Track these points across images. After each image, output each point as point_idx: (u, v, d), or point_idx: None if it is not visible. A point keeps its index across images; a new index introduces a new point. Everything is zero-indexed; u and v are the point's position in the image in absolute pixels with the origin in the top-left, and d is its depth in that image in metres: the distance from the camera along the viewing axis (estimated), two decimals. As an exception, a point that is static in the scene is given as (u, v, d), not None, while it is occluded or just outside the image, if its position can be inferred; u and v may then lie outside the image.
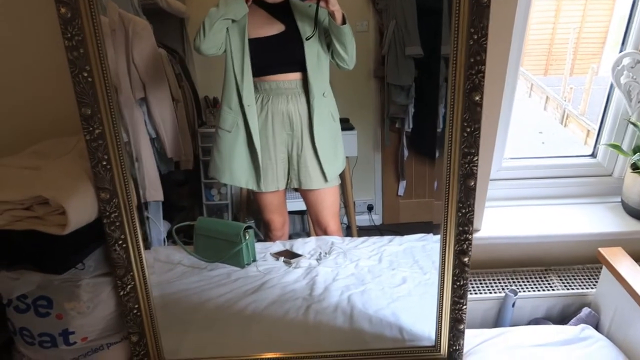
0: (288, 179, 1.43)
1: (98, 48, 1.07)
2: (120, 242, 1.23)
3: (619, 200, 1.75)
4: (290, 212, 1.52)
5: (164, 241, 1.49)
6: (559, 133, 4.24)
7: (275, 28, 1.32)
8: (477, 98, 1.08)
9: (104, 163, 1.15)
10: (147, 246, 1.46)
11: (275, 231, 1.49)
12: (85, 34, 1.05)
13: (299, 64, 1.32)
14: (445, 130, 1.14)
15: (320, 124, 1.35)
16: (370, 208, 1.63)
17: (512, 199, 1.79)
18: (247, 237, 1.27)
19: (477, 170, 1.14)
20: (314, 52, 1.31)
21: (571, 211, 1.75)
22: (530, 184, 1.78)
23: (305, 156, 1.39)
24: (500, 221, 1.70)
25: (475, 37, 1.04)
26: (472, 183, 1.15)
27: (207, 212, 1.60)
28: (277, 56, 1.33)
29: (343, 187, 1.55)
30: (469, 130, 1.11)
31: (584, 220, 1.70)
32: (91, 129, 1.11)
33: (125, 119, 1.30)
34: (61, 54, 1.08)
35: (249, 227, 1.25)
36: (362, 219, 1.62)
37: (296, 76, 1.33)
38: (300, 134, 1.36)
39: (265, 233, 1.50)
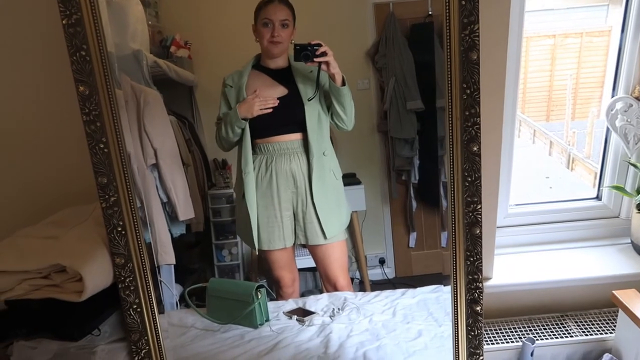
0: (295, 236, 1.46)
1: (114, 121, 1.14)
2: (135, 306, 1.24)
3: (629, 241, 1.74)
4: (302, 270, 1.53)
5: (177, 305, 1.49)
6: (566, 177, 4.24)
7: (278, 91, 1.39)
8: (475, 149, 1.12)
9: (119, 229, 1.19)
10: (161, 310, 1.47)
11: (285, 288, 1.49)
12: (102, 109, 1.13)
13: (299, 125, 1.38)
14: (447, 181, 1.18)
15: (319, 182, 1.40)
16: (382, 261, 1.63)
17: (521, 245, 1.78)
18: (259, 297, 1.28)
19: (481, 218, 1.16)
20: (314, 114, 1.37)
21: (582, 255, 1.74)
22: (537, 229, 1.78)
23: (310, 213, 1.43)
24: (511, 268, 1.69)
25: (468, 91, 1.10)
26: (478, 231, 1.17)
27: (219, 273, 1.61)
28: (279, 118, 1.39)
29: (353, 241, 1.56)
30: (470, 179, 1.14)
31: (596, 263, 1.69)
32: (107, 196, 1.17)
33: (139, 185, 1.35)
34: (78, 127, 1.15)
35: (261, 287, 1.25)
36: (375, 273, 1.62)
37: (297, 136, 1.39)
38: (304, 191, 1.41)
39: (276, 291, 1.50)
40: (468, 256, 1.19)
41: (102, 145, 1.14)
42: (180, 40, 1.47)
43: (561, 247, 1.77)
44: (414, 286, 1.55)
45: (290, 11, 1.35)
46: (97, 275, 1.18)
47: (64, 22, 1.06)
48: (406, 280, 1.61)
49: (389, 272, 1.63)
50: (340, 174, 1.45)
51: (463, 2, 1.04)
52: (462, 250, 1.19)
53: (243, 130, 1.38)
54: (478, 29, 1.05)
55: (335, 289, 1.50)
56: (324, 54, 1.30)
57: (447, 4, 1.06)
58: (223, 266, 1.61)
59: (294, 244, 1.47)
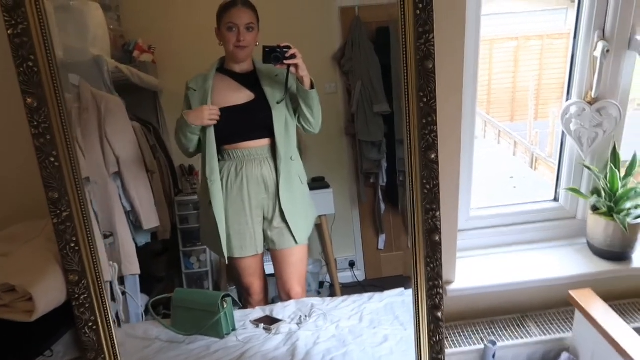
0: (266, 242, 1.45)
1: (64, 133, 1.10)
2: (91, 324, 1.20)
3: (585, 241, 1.80)
4: (269, 275, 1.52)
5: (142, 316, 1.47)
6: (529, 177, 4.35)
7: (244, 96, 1.37)
8: (433, 156, 1.14)
9: (72, 245, 1.15)
10: (125, 321, 1.44)
11: (255, 295, 1.49)
12: (52, 121, 1.08)
13: (267, 130, 1.37)
14: (407, 189, 1.19)
15: (287, 188, 1.40)
16: (352, 264, 1.64)
17: (483, 247, 1.82)
18: (225, 306, 1.27)
19: (440, 224, 1.18)
20: (281, 118, 1.36)
21: (541, 255, 1.78)
22: (498, 232, 1.82)
23: (278, 218, 1.42)
24: (472, 271, 1.72)
25: (425, 99, 1.11)
26: (437, 237, 1.19)
27: (187, 281, 1.59)
28: (247, 124, 1.38)
29: (323, 245, 1.57)
30: (428, 187, 1.16)
31: (554, 263, 1.73)
32: (59, 212, 1.12)
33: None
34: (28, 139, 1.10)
35: (227, 296, 1.24)
36: (345, 276, 1.63)
37: (265, 142, 1.38)
38: (274, 196, 1.40)
39: (245, 299, 1.49)
40: (428, 262, 1.21)
41: (52, 159, 1.09)
42: (143, 45, 1.45)
43: (521, 248, 1.81)
44: (383, 288, 1.57)
45: (255, 14, 1.33)
46: (48, 294, 1.14)
47: (9, 32, 1.02)
48: (376, 282, 1.62)
49: (359, 274, 1.64)
50: (305, 178, 1.45)
51: (418, 12, 1.06)
52: (422, 257, 1.21)
53: (205, 137, 1.35)
54: (433, 37, 1.07)
55: (289, 297, 1.49)
56: (293, 56, 1.28)
57: (402, 13, 1.07)
58: (191, 274, 1.59)
59: (264, 250, 1.47)
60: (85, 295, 1.18)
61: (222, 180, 1.38)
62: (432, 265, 1.21)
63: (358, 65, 1.48)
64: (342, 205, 1.57)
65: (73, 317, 1.19)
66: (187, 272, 1.58)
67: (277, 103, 1.35)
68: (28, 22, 1.02)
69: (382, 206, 1.63)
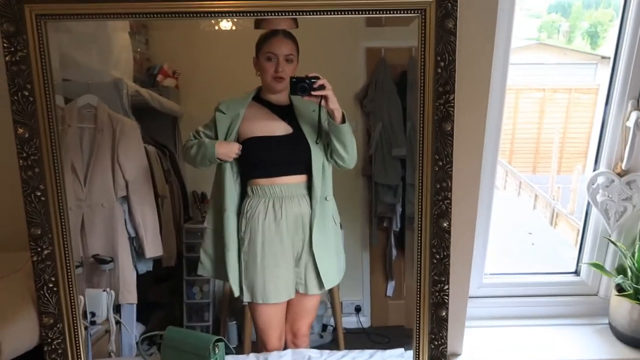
0: (295, 287, 1.37)
1: (54, 167, 1.07)
2: (62, 372, 1.13)
3: (607, 322, 1.68)
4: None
5: (137, 346, 1.42)
6: (549, 233, 4.23)
7: (281, 128, 1.32)
8: (445, 225, 1.08)
9: (51, 285, 1.10)
10: (117, 352, 1.38)
11: (270, 347, 1.39)
12: (42, 154, 1.05)
13: (305, 166, 1.31)
14: (414, 256, 1.12)
15: (320, 230, 1.33)
16: (358, 309, 1.59)
17: (495, 318, 1.70)
18: (217, 352, 1.20)
19: (448, 299, 1.10)
20: (319, 155, 1.31)
21: (557, 333, 1.65)
22: (512, 302, 1.70)
23: (310, 262, 1.35)
24: (482, 344, 1.59)
25: (440, 163, 1.06)
26: (444, 313, 1.11)
27: (187, 311, 1.55)
28: (284, 157, 1.33)
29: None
30: (438, 257, 1.09)
31: (572, 344, 1.60)
32: (40, 249, 1.08)
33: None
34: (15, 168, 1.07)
35: (220, 340, 1.18)
36: (350, 321, 1.57)
37: (302, 179, 1.32)
38: (308, 238, 1.33)
39: (259, 347, 1.41)
40: (432, 339, 1.13)
41: (39, 193, 1.06)
42: (168, 70, 1.45)
43: (536, 323, 1.68)
44: (389, 338, 1.50)
45: (295, 45, 1.29)
46: (17, 338, 1.09)
47: (7, 59, 1.00)
48: (382, 330, 1.56)
49: (365, 320, 1.59)
50: (339, 219, 1.39)
51: (439, 70, 1.02)
52: (425, 333, 1.13)
53: (232, 167, 1.31)
54: (454, 98, 1.03)
55: (294, 337, 1.42)
56: (322, 87, 1.22)
57: (422, 70, 1.03)
58: (192, 304, 1.54)
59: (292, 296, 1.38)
60: (59, 341, 1.12)
61: (255, 219, 1.32)
62: (436, 343, 1.13)
63: (380, 106, 1.46)
64: (352, 247, 1.53)
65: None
66: (189, 302, 1.54)
67: (316, 143, 1.30)
68: (28, 50, 1.01)
69: (394, 252, 1.58)
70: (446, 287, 1.09)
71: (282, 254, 1.33)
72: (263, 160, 1.32)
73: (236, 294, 1.35)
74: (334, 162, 1.32)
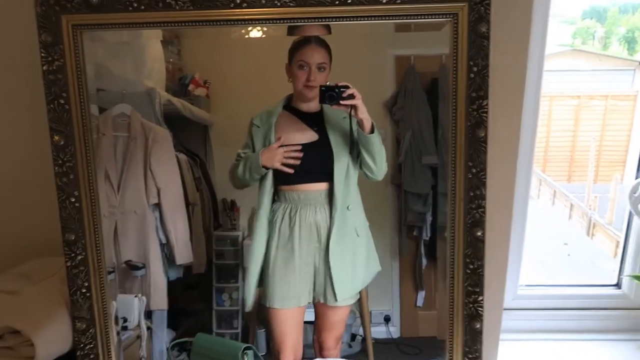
0: (313, 294, 1.36)
1: (89, 174, 1.08)
2: (93, 378, 1.14)
3: None
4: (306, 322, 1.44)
5: (167, 352, 1.43)
6: (585, 244, 4.10)
7: (307, 136, 1.31)
8: (479, 233, 1.05)
9: (84, 290, 1.11)
10: (148, 358, 1.40)
11: (285, 357, 1.37)
12: (77, 160, 1.07)
13: (326, 174, 1.30)
14: (446, 266, 1.09)
15: (338, 239, 1.31)
16: (387, 319, 1.56)
17: (530, 331, 1.64)
18: (245, 359, 1.20)
19: (483, 311, 1.07)
20: (343, 163, 1.29)
21: (596, 349, 1.58)
22: (549, 315, 1.64)
23: (324, 271, 1.33)
24: (517, 358, 1.54)
25: (474, 170, 1.03)
26: (478, 325, 1.07)
27: (217, 318, 1.55)
28: (308, 165, 1.31)
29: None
30: (472, 267, 1.06)
31: None
32: (73, 254, 1.10)
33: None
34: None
35: (249, 348, 1.18)
36: (379, 331, 1.55)
37: (323, 186, 1.31)
38: (325, 247, 1.31)
39: (274, 354, 1.40)
40: (466, 352, 1.09)
41: (73, 200, 1.08)
42: (199, 79, 1.47)
43: (575, 337, 1.61)
44: (419, 349, 1.47)
45: (328, 53, 1.28)
46: (51, 342, 1.10)
47: (44, 68, 1.03)
48: (411, 341, 1.53)
49: (394, 330, 1.56)
50: (364, 231, 1.35)
51: (472, 75, 0.99)
52: (459, 346, 1.09)
53: (264, 176, 1.31)
54: (487, 104, 1.00)
55: (321, 348, 1.40)
56: (351, 96, 1.20)
57: (454, 75, 1.01)
58: (221, 311, 1.55)
59: (309, 303, 1.37)
60: (91, 346, 1.13)
61: (274, 223, 1.32)
62: (470, 356, 1.09)
63: (409, 114, 1.45)
64: (381, 256, 1.49)
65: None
66: (218, 309, 1.55)
67: (350, 153, 1.29)
68: (64, 60, 1.03)
69: (424, 261, 1.55)
70: (480, 298, 1.06)
71: (292, 260, 1.32)
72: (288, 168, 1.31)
73: (248, 297, 1.36)
74: (364, 174, 1.31)
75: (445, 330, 1.11)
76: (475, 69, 0.99)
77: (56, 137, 1.05)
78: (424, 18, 1.02)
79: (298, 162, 1.29)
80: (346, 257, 1.32)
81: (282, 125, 1.32)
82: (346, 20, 1.02)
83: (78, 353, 1.13)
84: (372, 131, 1.24)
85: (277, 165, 1.29)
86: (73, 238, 1.08)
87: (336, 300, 1.33)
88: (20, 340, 1.09)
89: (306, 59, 1.27)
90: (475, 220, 1.04)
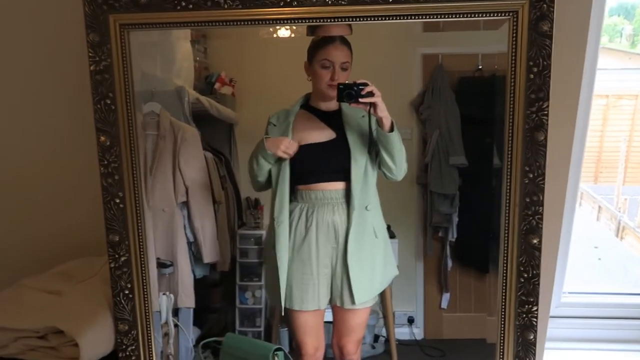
0: (331, 297, 1.34)
1: (133, 175, 1.09)
2: (135, 379, 1.15)
3: None
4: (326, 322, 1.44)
5: (192, 351, 1.44)
6: (616, 247, 3.98)
7: (325, 135, 1.31)
8: (535, 241, 1.01)
9: (127, 292, 1.12)
10: (175, 356, 1.41)
11: (306, 357, 1.37)
12: (122, 161, 1.08)
13: (344, 173, 1.28)
14: (498, 275, 1.06)
15: (356, 240, 1.29)
16: (411, 321, 1.54)
17: (574, 340, 1.59)
18: (276, 360, 1.20)
19: (537, 322, 1.04)
20: (361, 162, 1.28)
21: None
22: (594, 324, 1.60)
23: (342, 273, 1.32)
24: None
25: (531, 175, 1.00)
26: (532, 337, 1.04)
27: (240, 316, 1.56)
28: (324, 163, 1.31)
29: (382, 296, 1.48)
30: (526, 276, 1.03)
31: None
32: (117, 256, 1.10)
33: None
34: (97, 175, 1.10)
35: (279, 349, 1.17)
36: (402, 332, 1.53)
37: (340, 186, 1.29)
38: (343, 248, 1.30)
39: (295, 358, 1.39)
40: None
41: (117, 200, 1.09)
42: (225, 78, 1.47)
43: (620, 347, 1.56)
44: (443, 352, 1.45)
45: (350, 52, 1.27)
46: (95, 343, 1.11)
47: (91, 68, 1.03)
48: (435, 343, 1.51)
49: (418, 332, 1.54)
50: (383, 232, 1.34)
51: (531, 76, 0.96)
52: (510, 356, 1.06)
53: (279, 172, 1.30)
54: (547, 106, 0.96)
55: (341, 353, 1.38)
56: (370, 94, 1.18)
57: (512, 77, 0.98)
58: (245, 309, 1.55)
59: (327, 306, 1.36)
60: (133, 347, 1.13)
61: (290, 223, 1.31)
62: None
63: (437, 113, 1.42)
64: (406, 257, 1.49)
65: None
66: (241, 307, 1.55)
67: (368, 153, 1.27)
68: (111, 59, 1.03)
69: (449, 263, 1.53)
70: (535, 308, 1.03)
71: (309, 261, 1.30)
72: (303, 167, 1.30)
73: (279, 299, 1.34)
74: (383, 173, 1.29)
75: (495, 336, 1.08)
76: (535, 69, 0.96)
77: (102, 138, 1.06)
78: (483, 16, 0.99)
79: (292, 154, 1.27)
80: (364, 259, 1.31)
81: (299, 124, 1.31)
82: (400, 19, 1.00)
83: (120, 355, 1.13)
84: (391, 129, 1.22)
85: (279, 153, 1.27)
86: (117, 239, 1.09)
87: (354, 303, 1.31)
88: (64, 341, 1.11)
89: (331, 57, 1.25)
90: (532, 227, 1.01)
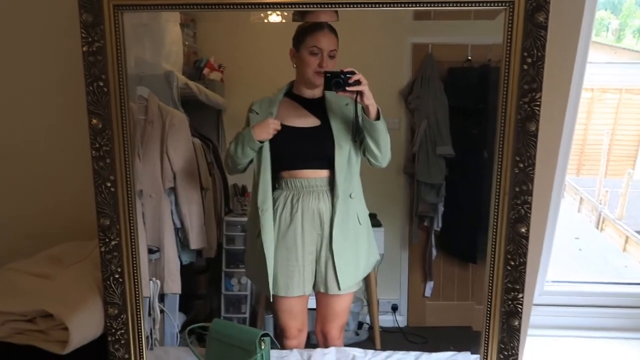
0: (315, 283, 1.36)
1: (125, 159, 1.07)
2: (123, 362, 1.14)
3: None
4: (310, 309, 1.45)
5: (177, 336, 1.44)
6: (596, 239, 4.07)
7: (309, 122, 1.31)
8: (523, 230, 1.03)
9: (117, 276, 1.11)
10: (161, 340, 1.41)
11: (291, 340, 1.40)
12: (114, 145, 1.06)
13: (328, 161, 1.29)
14: (486, 262, 1.08)
15: (341, 227, 1.31)
16: (394, 308, 1.56)
17: (557, 327, 1.63)
18: (262, 347, 1.20)
19: (522, 308, 1.05)
20: (344, 150, 1.28)
21: (625, 348, 1.56)
22: (576, 312, 1.63)
23: (329, 259, 1.33)
24: (543, 354, 1.53)
25: (521, 165, 1.01)
26: (517, 323, 1.06)
27: (225, 302, 1.56)
28: (308, 149, 1.31)
29: (367, 284, 1.49)
30: (513, 264, 1.04)
31: None
32: (107, 240, 1.09)
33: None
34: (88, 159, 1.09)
35: (266, 335, 1.18)
36: (386, 319, 1.54)
37: (324, 173, 1.30)
38: (327, 235, 1.31)
39: (279, 341, 1.41)
40: (502, 349, 1.07)
41: (109, 184, 1.07)
42: (214, 63, 1.46)
43: (602, 335, 1.60)
44: (426, 339, 1.47)
45: (337, 41, 1.26)
46: (85, 327, 1.10)
47: (84, 49, 1.01)
48: (418, 330, 1.53)
49: (401, 320, 1.55)
50: (365, 219, 1.35)
51: (525, 67, 0.96)
52: (495, 342, 1.08)
53: (261, 160, 1.30)
54: (540, 97, 0.97)
55: (325, 339, 1.40)
56: (357, 82, 1.19)
57: (506, 67, 0.98)
58: (230, 295, 1.55)
59: (312, 291, 1.37)
60: (122, 331, 1.13)
61: (275, 211, 1.32)
62: (505, 354, 1.07)
63: (425, 103, 1.42)
64: (391, 245, 1.50)
65: (106, 352, 1.14)
66: (227, 294, 1.55)
67: (354, 142, 1.27)
68: (105, 40, 1.01)
69: (434, 252, 1.54)
70: (520, 295, 1.04)
71: (294, 248, 1.31)
72: (286, 152, 1.30)
73: (266, 287, 1.35)
74: (367, 160, 1.30)
75: (481, 323, 1.10)
76: (529, 60, 0.97)
77: (94, 120, 1.03)
78: (479, 6, 0.99)
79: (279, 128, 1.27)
80: (349, 245, 1.33)
81: (283, 112, 1.30)
82: (398, 6, 1.00)
83: (109, 338, 1.13)
84: (377, 117, 1.23)
85: (271, 135, 1.27)
86: (108, 223, 1.08)
87: (339, 288, 1.33)
88: (53, 324, 1.10)
89: (320, 44, 1.25)
90: (520, 216, 1.02)
